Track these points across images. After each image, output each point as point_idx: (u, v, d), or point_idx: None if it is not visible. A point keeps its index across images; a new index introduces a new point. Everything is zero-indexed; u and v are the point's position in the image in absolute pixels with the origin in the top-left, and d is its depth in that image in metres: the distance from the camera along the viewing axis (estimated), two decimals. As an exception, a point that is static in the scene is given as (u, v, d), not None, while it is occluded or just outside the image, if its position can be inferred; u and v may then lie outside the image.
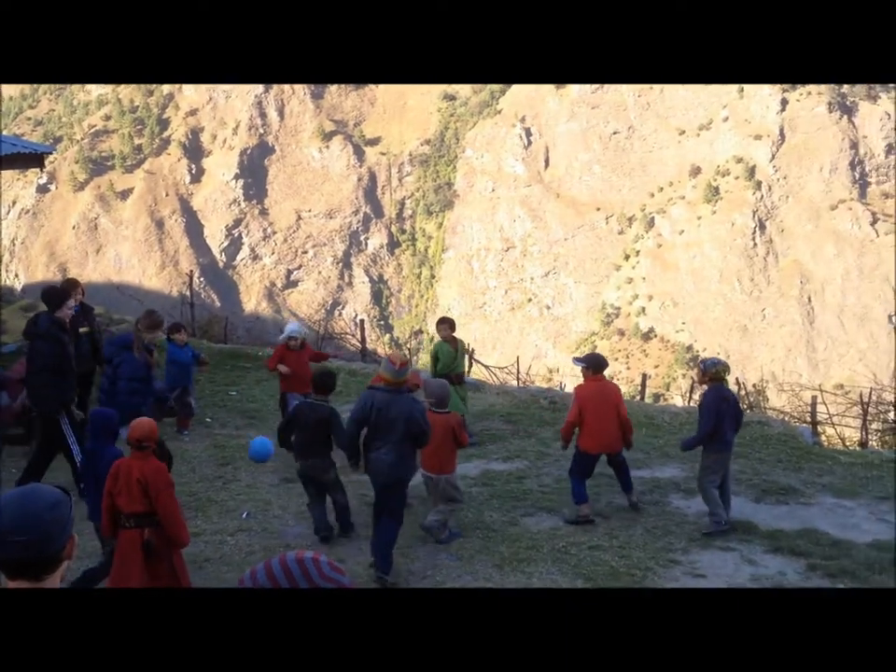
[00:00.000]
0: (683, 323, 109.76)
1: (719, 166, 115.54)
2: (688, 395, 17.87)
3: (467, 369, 18.48)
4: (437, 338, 10.82)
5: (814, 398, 13.26)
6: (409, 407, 7.02)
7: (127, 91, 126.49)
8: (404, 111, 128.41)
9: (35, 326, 8.75)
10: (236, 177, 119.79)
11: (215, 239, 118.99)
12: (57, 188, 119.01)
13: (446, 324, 10.70)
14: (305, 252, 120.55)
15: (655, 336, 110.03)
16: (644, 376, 18.36)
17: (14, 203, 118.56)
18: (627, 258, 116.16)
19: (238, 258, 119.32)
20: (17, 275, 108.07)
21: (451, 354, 10.43)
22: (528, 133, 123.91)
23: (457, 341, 10.67)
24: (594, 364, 8.55)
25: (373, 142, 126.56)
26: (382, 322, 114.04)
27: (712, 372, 8.13)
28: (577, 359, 8.78)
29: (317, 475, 7.64)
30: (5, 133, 14.38)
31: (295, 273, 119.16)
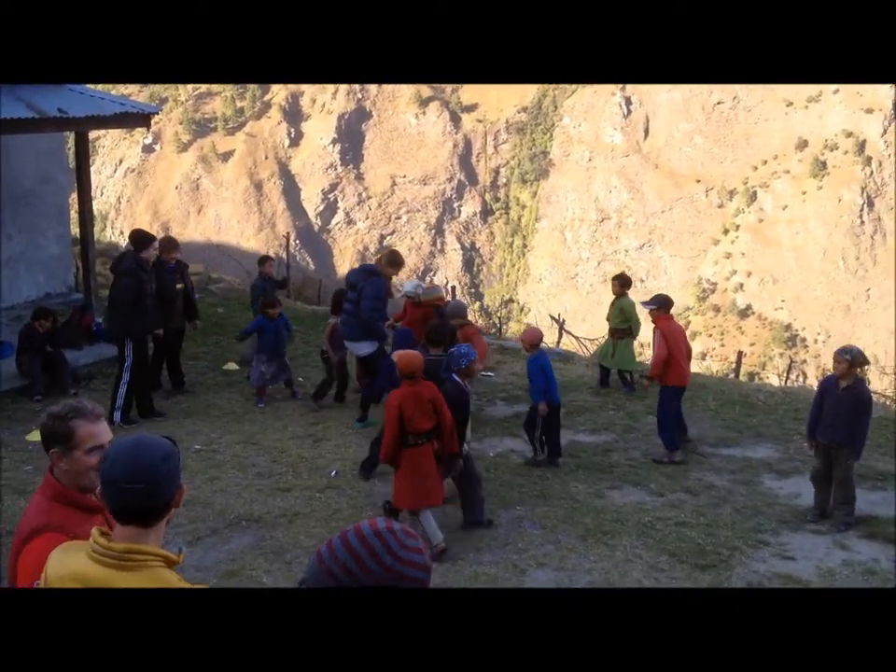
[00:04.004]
0: (783, 301, 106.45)
1: (827, 140, 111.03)
2: (785, 375, 17.37)
3: (557, 340, 18.38)
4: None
5: (919, 382, 12.73)
6: None
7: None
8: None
9: (119, 263, 9.45)
10: (333, 142, 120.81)
11: (311, 202, 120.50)
12: (161, 148, 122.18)
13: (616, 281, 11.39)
14: (399, 218, 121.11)
15: (753, 313, 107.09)
16: (739, 354, 17.85)
17: (121, 161, 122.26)
18: (726, 232, 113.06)
19: (333, 221, 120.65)
20: (122, 232, 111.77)
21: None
22: (628, 101, 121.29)
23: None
24: (664, 303, 9.20)
25: (470, 108, 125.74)
26: (472, 290, 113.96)
27: (860, 361, 7.59)
28: (645, 302, 9.44)
29: None
30: (112, 93, 14.79)
31: (388, 238, 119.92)
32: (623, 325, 10.97)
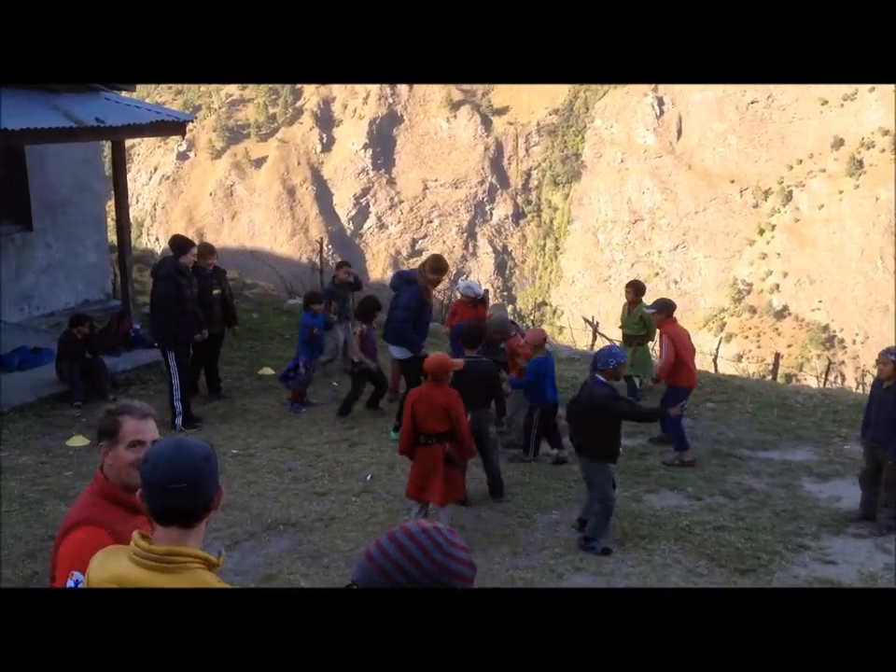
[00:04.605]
0: (820, 302, 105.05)
1: (863, 138, 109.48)
2: (823, 376, 17.15)
3: (591, 342, 18.29)
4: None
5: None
6: None
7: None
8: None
9: (159, 269, 9.58)
10: (365, 147, 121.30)
11: (343, 207, 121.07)
12: (196, 155, 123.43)
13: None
14: (431, 222, 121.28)
15: (789, 314, 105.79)
16: (777, 356, 17.62)
17: (155, 169, 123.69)
18: (762, 232, 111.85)
19: (365, 226, 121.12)
20: (157, 239, 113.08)
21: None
22: (661, 102, 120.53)
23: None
24: (666, 307, 9.36)
25: (501, 111, 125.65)
26: (505, 293, 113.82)
27: None
28: (648, 307, 9.71)
29: (478, 427, 7.75)
30: (147, 101, 14.98)
31: (420, 242, 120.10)
32: (641, 331, 10.75)
